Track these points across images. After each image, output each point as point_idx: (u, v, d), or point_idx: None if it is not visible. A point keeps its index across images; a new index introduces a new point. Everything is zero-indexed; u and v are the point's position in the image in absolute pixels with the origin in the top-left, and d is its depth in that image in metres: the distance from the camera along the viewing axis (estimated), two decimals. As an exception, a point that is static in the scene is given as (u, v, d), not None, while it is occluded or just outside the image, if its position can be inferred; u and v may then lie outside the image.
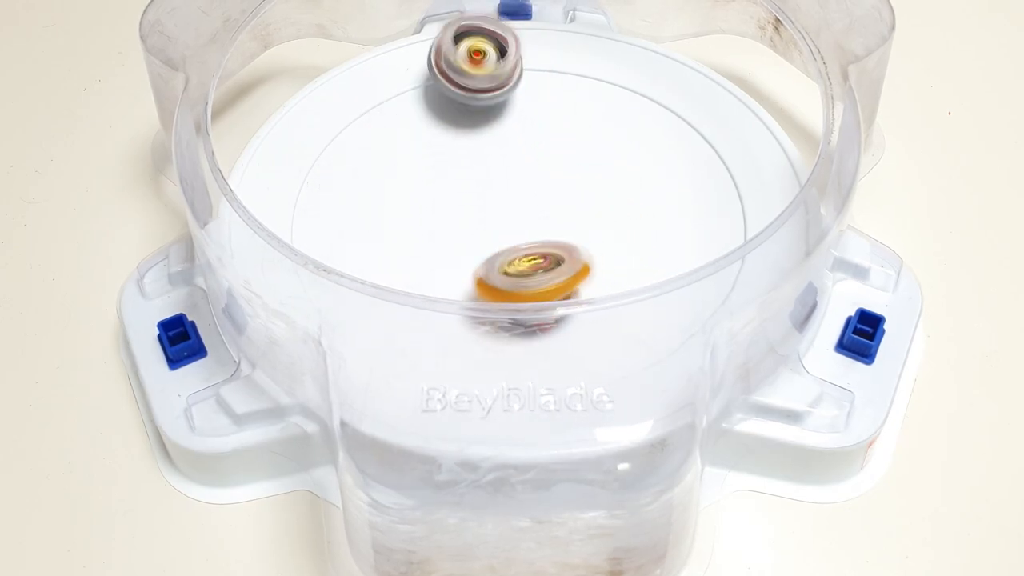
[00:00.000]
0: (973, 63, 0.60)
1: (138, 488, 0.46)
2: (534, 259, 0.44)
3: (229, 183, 0.44)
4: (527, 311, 0.41)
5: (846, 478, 0.45)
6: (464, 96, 0.51)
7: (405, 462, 0.39)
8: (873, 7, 0.48)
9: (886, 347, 0.46)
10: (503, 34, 0.50)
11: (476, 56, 0.50)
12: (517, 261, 0.44)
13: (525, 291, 0.42)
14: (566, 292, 0.43)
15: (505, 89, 0.51)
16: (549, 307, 0.40)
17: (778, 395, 0.44)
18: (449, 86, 0.51)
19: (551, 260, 0.44)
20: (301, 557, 0.44)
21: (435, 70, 0.51)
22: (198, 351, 0.46)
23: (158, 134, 0.55)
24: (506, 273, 0.43)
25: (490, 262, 0.44)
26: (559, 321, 0.42)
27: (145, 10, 0.49)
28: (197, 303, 0.47)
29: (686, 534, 0.42)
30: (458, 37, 0.50)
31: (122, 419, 0.47)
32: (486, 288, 0.43)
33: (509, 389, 0.40)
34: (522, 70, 0.52)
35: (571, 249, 0.44)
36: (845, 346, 0.46)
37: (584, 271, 0.43)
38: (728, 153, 0.50)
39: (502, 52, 0.50)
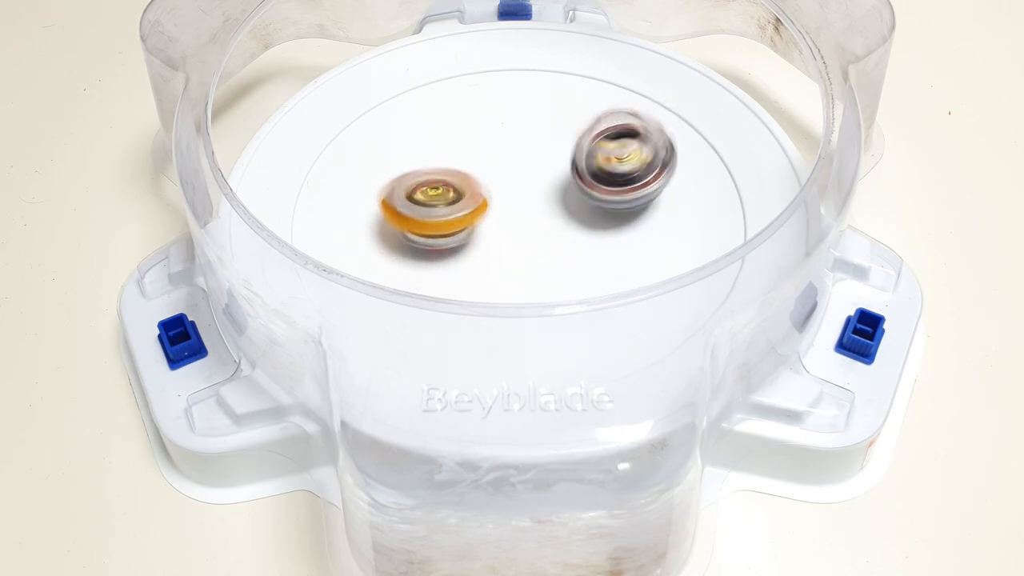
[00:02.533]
0: (973, 63, 0.60)
1: (138, 488, 0.46)
2: (437, 189, 0.46)
3: (229, 183, 0.44)
4: (529, 309, 0.41)
5: (846, 478, 0.45)
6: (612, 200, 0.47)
7: (405, 462, 0.39)
8: (873, 7, 0.48)
9: (886, 347, 0.46)
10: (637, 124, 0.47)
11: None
12: (421, 189, 0.46)
13: (428, 220, 0.46)
14: (465, 226, 0.46)
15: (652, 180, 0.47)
16: (549, 305, 0.40)
17: (778, 395, 0.44)
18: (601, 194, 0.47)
19: (453, 192, 0.46)
20: (301, 557, 0.44)
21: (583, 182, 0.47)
22: (198, 351, 0.46)
23: (158, 134, 0.55)
24: (410, 199, 0.46)
25: (396, 183, 0.46)
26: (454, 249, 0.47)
27: (145, 10, 0.49)
28: (197, 303, 0.47)
29: (686, 534, 0.42)
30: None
31: (122, 419, 0.47)
32: (391, 211, 0.46)
33: (509, 389, 0.40)
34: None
35: (471, 183, 0.47)
36: (845, 346, 0.46)
37: (483, 207, 0.46)
38: (728, 153, 0.50)
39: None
